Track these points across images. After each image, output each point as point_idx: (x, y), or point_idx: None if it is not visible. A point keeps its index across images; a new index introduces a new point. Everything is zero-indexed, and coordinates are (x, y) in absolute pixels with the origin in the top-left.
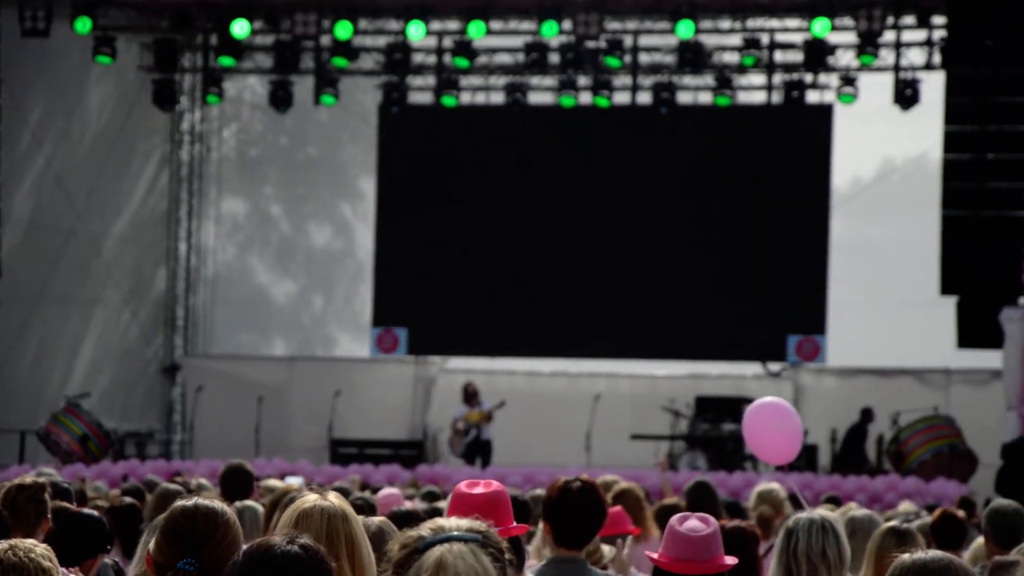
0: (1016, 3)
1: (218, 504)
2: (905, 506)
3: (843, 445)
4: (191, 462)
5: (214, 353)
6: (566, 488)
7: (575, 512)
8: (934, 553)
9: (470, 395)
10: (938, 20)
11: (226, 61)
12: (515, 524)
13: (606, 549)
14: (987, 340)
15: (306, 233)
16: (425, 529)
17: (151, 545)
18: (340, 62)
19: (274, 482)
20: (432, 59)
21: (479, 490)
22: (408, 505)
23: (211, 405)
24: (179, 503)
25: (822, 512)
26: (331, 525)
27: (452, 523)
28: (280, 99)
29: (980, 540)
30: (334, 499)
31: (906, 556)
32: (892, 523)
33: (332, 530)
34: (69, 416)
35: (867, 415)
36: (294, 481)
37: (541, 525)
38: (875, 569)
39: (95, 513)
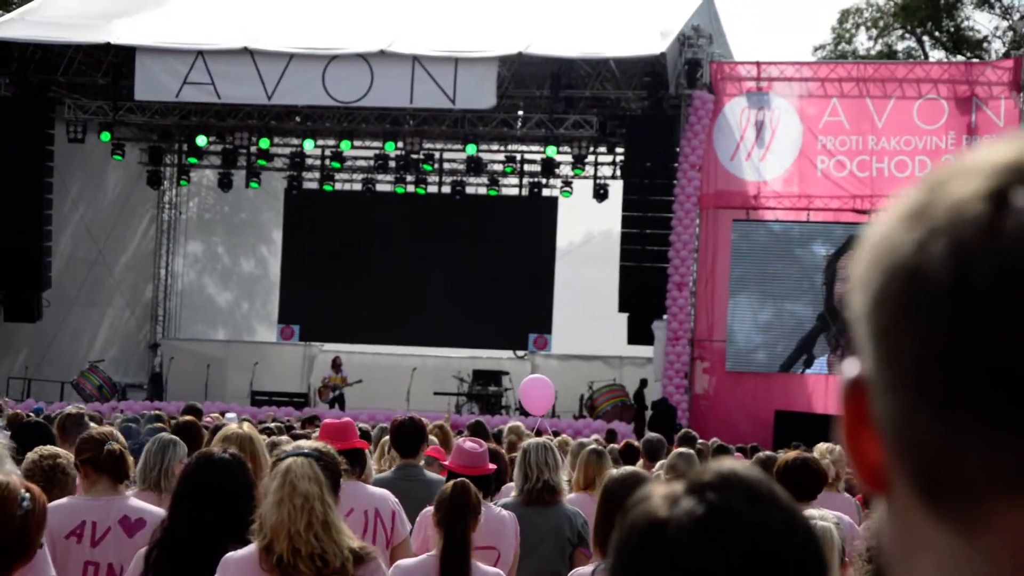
0: (662, 148)
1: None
2: (595, 436)
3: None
4: (165, 403)
5: (181, 337)
6: (402, 422)
7: (409, 434)
8: (627, 468)
9: (336, 365)
10: (619, 151)
11: (192, 160)
12: (359, 440)
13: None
14: (644, 339)
15: (239, 264)
16: (289, 447)
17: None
18: (262, 162)
19: (214, 415)
20: (317, 162)
21: (336, 421)
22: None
23: (177, 369)
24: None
25: (543, 439)
26: (244, 442)
27: (304, 444)
28: (224, 183)
29: (641, 462)
30: (247, 427)
31: (614, 471)
32: (592, 446)
33: (245, 444)
34: (91, 373)
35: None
36: (230, 416)
37: (380, 445)
38: (583, 474)
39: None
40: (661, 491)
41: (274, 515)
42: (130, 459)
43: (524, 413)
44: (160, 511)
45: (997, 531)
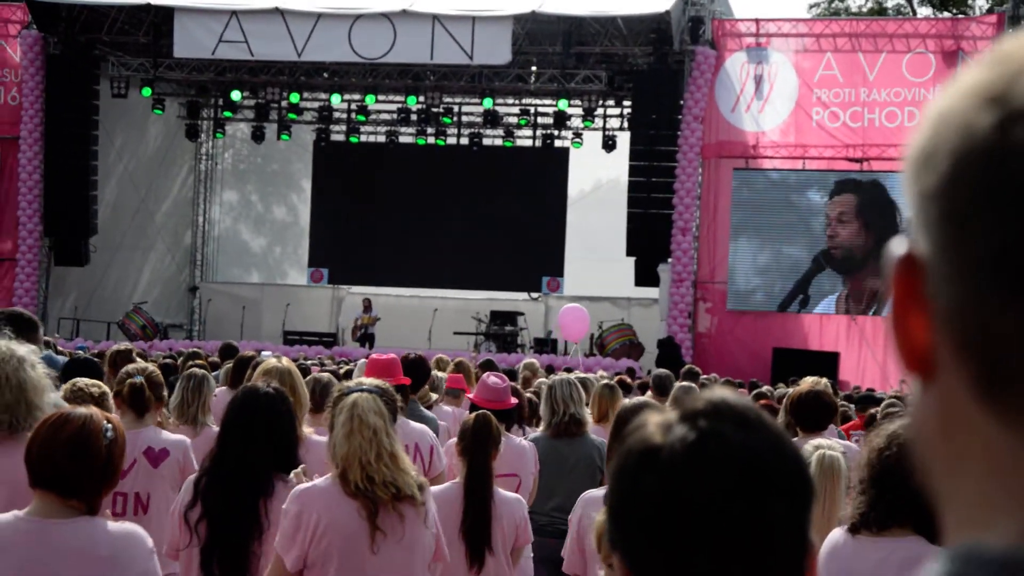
0: (667, 101)
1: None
2: (601, 372)
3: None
4: (203, 342)
5: (218, 280)
6: (407, 357)
7: (411, 372)
8: (638, 398)
9: (366, 306)
10: (627, 104)
11: (227, 114)
12: (403, 377)
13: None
14: (650, 281)
15: (271, 211)
16: (352, 383)
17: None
18: (292, 116)
19: (251, 353)
20: (344, 115)
21: (382, 358)
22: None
23: (215, 310)
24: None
25: (568, 375)
26: (284, 375)
27: (366, 381)
28: (257, 136)
29: (649, 393)
30: (286, 361)
31: (626, 401)
32: (604, 381)
33: (285, 377)
34: (135, 314)
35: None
36: (266, 354)
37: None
38: (597, 408)
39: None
40: (656, 419)
41: (346, 446)
42: (152, 393)
43: (541, 350)
44: (183, 440)
45: None
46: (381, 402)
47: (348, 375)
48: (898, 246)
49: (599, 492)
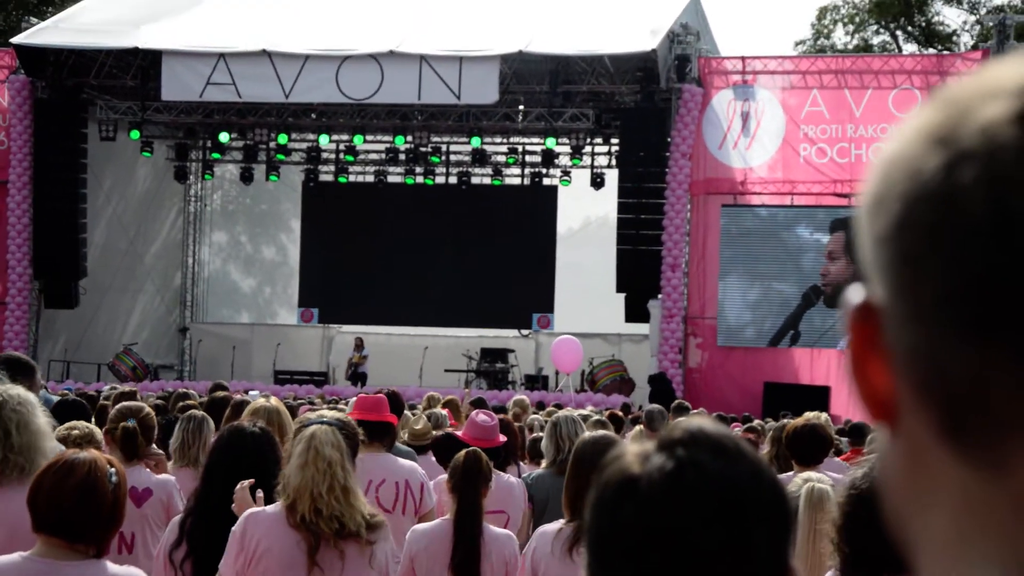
0: (654, 138)
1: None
2: (590, 408)
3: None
4: (193, 383)
5: (208, 321)
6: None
7: (392, 406)
8: (597, 432)
9: (358, 345)
10: (614, 141)
11: (215, 155)
12: (389, 414)
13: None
14: (641, 318)
15: (260, 252)
16: (313, 416)
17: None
18: (280, 156)
19: (239, 395)
20: (332, 156)
21: (370, 396)
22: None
23: (206, 351)
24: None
25: (572, 412)
26: (272, 414)
27: (327, 413)
28: (246, 177)
29: (639, 427)
30: (273, 401)
31: (585, 434)
32: (595, 417)
33: (273, 416)
34: (125, 355)
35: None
36: (254, 393)
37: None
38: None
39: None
40: (634, 449)
41: (298, 477)
42: (143, 437)
43: (532, 386)
44: (167, 480)
45: (1022, 470)
46: (340, 435)
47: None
48: (855, 294)
49: (553, 526)
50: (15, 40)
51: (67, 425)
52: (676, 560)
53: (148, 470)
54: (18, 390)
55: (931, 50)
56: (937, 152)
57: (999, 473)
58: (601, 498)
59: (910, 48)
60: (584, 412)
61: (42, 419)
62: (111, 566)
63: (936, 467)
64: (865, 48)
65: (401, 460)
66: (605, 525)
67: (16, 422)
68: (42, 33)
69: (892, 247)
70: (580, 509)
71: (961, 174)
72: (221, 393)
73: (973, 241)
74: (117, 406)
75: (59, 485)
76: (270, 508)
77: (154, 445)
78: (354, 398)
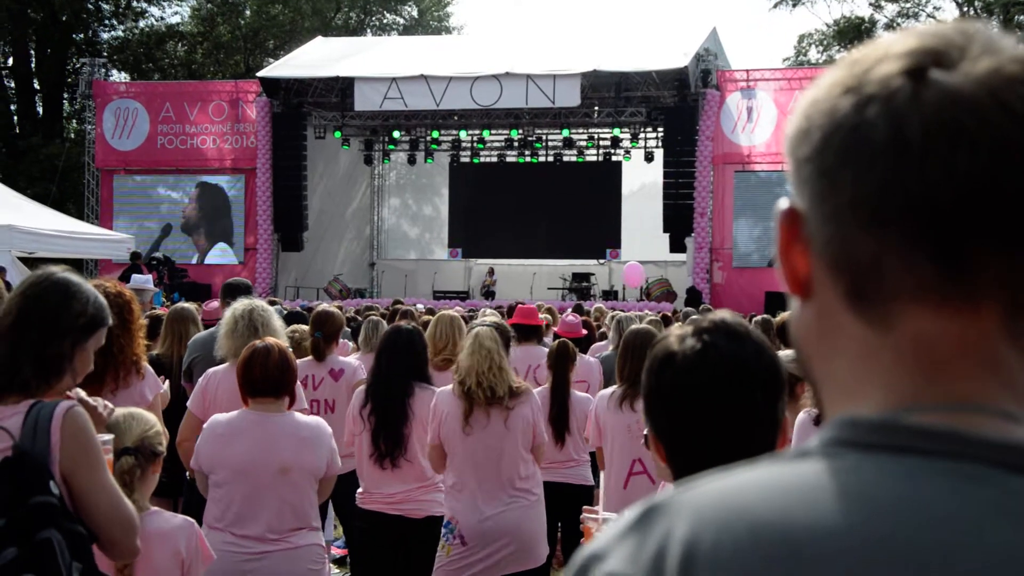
0: (688, 127)
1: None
2: (647, 312)
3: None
4: (379, 299)
5: (388, 258)
6: (517, 306)
7: (523, 314)
8: (642, 325)
9: (489, 272)
10: (660, 130)
11: (391, 147)
12: (539, 319)
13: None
14: (680, 249)
15: (422, 210)
16: (477, 322)
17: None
18: (434, 146)
19: (409, 307)
20: (468, 144)
21: (527, 306)
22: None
23: (387, 278)
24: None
25: (625, 313)
26: (452, 320)
27: (488, 319)
28: (411, 160)
29: (678, 323)
30: (449, 312)
31: (633, 326)
32: (651, 317)
33: (454, 321)
34: (335, 282)
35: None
36: (420, 306)
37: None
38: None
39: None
40: (676, 332)
41: (468, 361)
42: (325, 346)
43: (607, 298)
44: (352, 362)
45: (903, 326)
46: (496, 332)
47: (472, 318)
48: (782, 203)
49: (608, 390)
50: (259, 74)
51: (291, 328)
52: (701, 411)
53: (340, 356)
54: (263, 303)
55: None
56: (848, 97)
57: (886, 328)
58: (651, 366)
59: None
60: (643, 315)
61: (278, 321)
62: (299, 415)
63: (841, 328)
64: (832, 62)
65: (541, 348)
66: (653, 384)
67: (262, 322)
68: (276, 69)
69: (812, 166)
70: (627, 376)
71: (867, 112)
72: (398, 306)
73: (876, 159)
74: (312, 315)
75: (265, 362)
76: (446, 387)
77: (346, 341)
78: (488, 308)
